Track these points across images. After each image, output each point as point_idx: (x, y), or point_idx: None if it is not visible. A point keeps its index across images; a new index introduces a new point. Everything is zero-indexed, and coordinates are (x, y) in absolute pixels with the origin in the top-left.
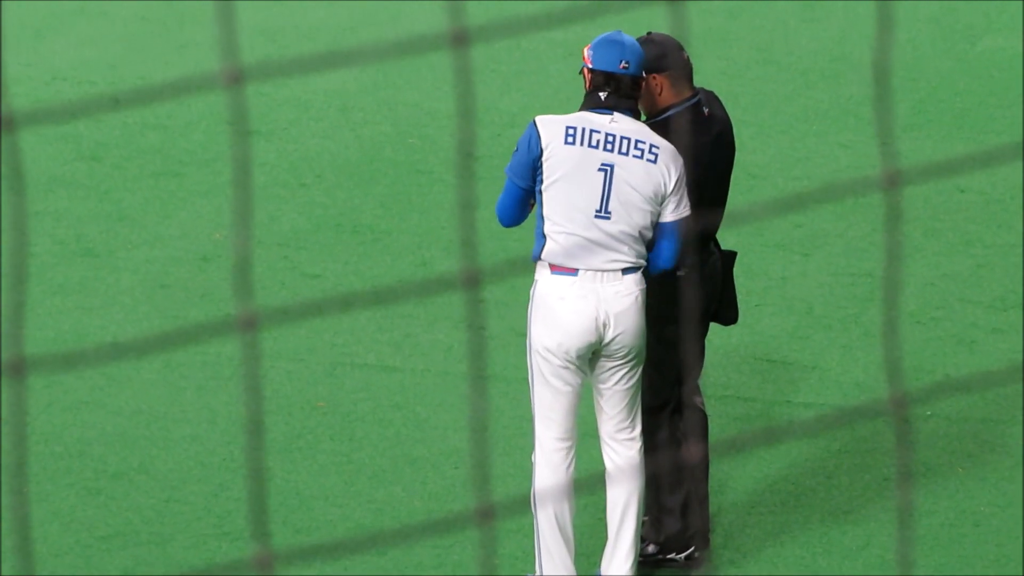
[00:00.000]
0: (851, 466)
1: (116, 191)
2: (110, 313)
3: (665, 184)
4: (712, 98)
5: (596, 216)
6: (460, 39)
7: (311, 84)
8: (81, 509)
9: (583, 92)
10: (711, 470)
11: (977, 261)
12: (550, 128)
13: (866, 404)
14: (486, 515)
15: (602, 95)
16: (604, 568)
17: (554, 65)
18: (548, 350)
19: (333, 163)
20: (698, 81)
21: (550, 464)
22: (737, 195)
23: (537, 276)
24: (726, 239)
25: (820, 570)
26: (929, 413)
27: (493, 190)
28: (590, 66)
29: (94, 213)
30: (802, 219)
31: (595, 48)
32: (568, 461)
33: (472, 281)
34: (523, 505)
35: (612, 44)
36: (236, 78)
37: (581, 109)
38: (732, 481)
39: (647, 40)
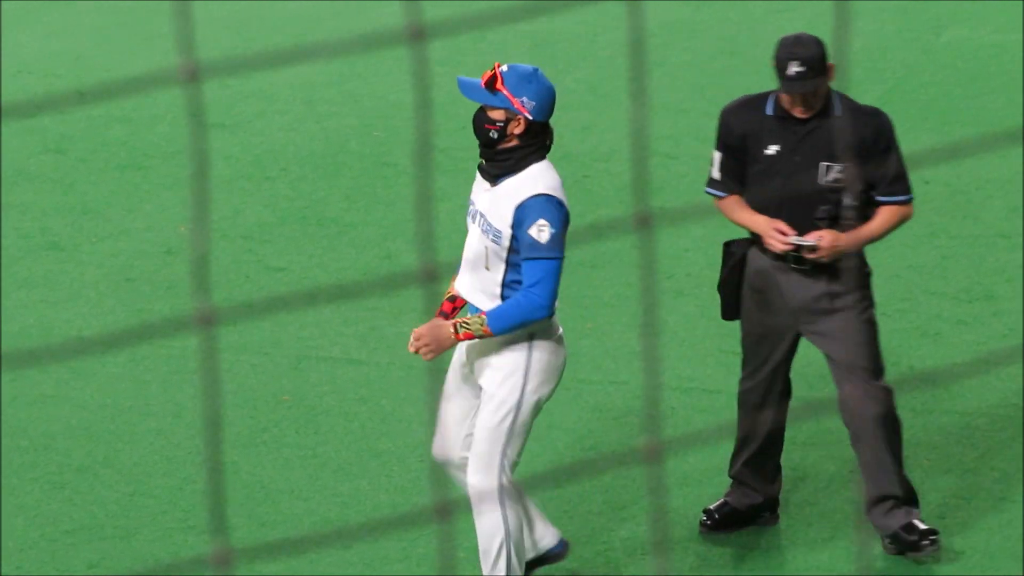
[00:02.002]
0: (816, 458)
1: (81, 184)
2: (75, 307)
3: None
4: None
5: None
6: (418, 34)
7: (276, 77)
8: (46, 503)
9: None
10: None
11: (942, 252)
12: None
13: (831, 396)
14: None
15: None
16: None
17: (520, 56)
18: (542, 401)
19: (298, 156)
20: (663, 73)
21: (514, 486)
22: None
23: (534, 328)
24: (692, 231)
25: (787, 563)
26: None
27: (456, 183)
28: (532, 117)
29: (59, 206)
30: None
31: (539, 95)
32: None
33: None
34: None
35: (551, 90)
36: (193, 74)
37: (540, 162)
38: (695, 471)
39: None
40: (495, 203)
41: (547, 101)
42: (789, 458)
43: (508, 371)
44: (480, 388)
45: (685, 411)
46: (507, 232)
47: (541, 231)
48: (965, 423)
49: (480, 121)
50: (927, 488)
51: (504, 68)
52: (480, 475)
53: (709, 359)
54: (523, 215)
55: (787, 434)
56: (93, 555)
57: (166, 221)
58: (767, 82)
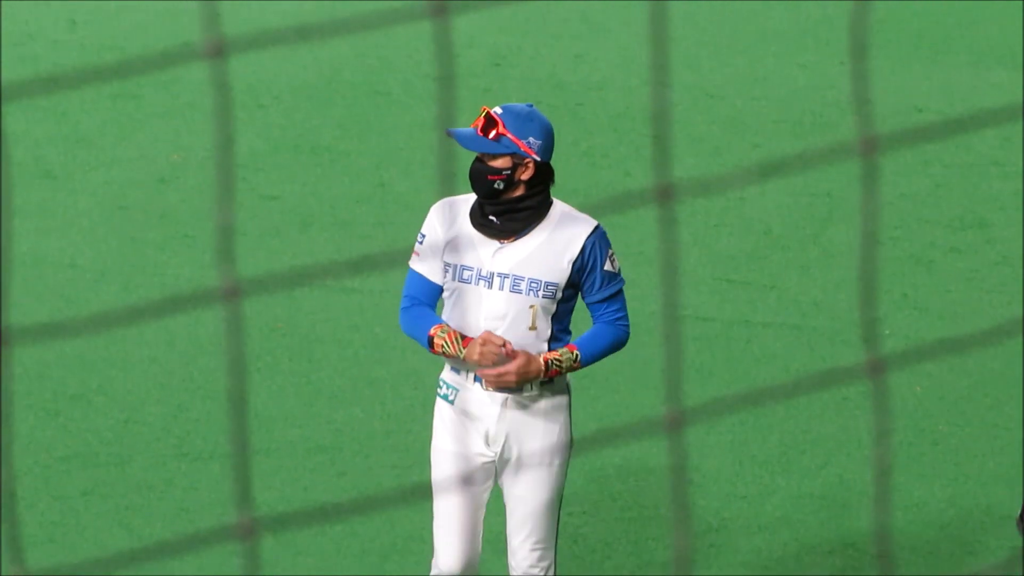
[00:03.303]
0: (809, 386)
1: (74, 113)
2: (68, 235)
3: None
4: None
5: None
6: None
7: (269, 5)
8: (40, 431)
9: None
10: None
11: (935, 181)
12: None
13: (824, 324)
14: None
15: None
16: None
17: None
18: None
19: (291, 85)
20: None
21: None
22: (695, 115)
23: (568, 378)
24: (683, 159)
25: (779, 489)
26: (888, 332)
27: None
28: (540, 159)
29: (52, 135)
30: (760, 139)
31: (543, 133)
32: None
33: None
34: None
35: (551, 126)
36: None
37: (555, 201)
38: (690, 400)
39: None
40: (535, 258)
41: (551, 138)
42: (749, 381)
43: (555, 437)
44: (496, 469)
45: (679, 338)
46: (563, 281)
47: (613, 261)
48: (958, 351)
49: (480, 174)
50: (920, 415)
51: (499, 110)
52: (547, 559)
53: (702, 286)
54: (594, 255)
55: None
56: (87, 482)
57: (159, 150)
58: (760, 10)
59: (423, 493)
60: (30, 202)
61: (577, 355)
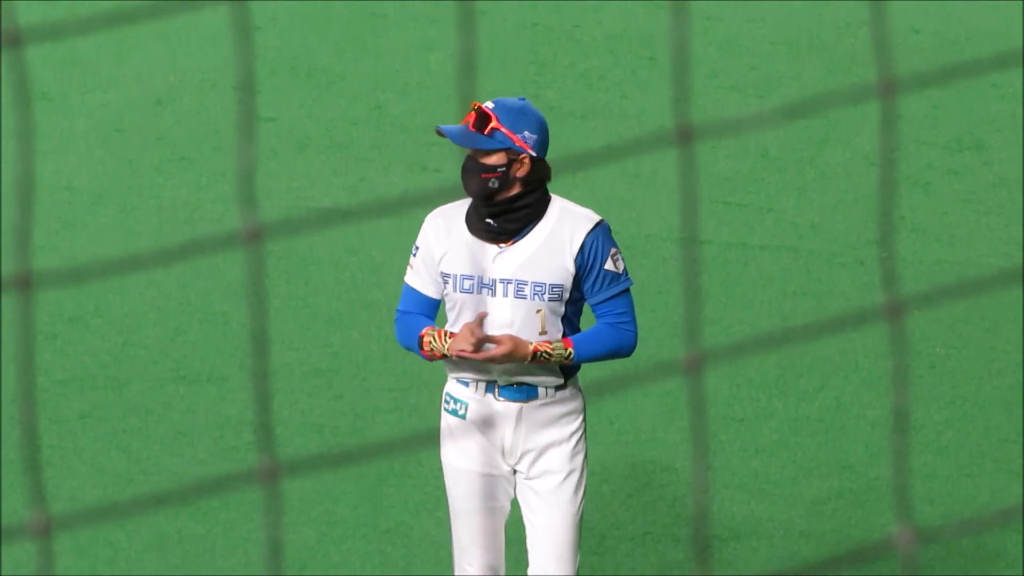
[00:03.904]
0: (806, 308)
1: (69, 34)
2: (65, 157)
3: None
4: None
5: None
6: None
7: None
8: (38, 354)
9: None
10: None
11: (932, 103)
12: None
13: (821, 247)
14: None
15: None
16: None
17: None
18: None
19: (286, 5)
20: None
21: None
22: (692, 36)
23: (582, 386)
24: (680, 82)
25: (776, 412)
26: (885, 255)
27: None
28: (536, 154)
29: (48, 57)
30: (757, 61)
31: (539, 127)
32: None
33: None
34: None
35: (544, 120)
36: None
37: (554, 197)
38: (686, 321)
39: None
40: (535, 260)
41: (546, 132)
42: (745, 302)
43: (572, 444)
44: (514, 481)
45: (676, 261)
46: (569, 281)
47: (616, 261)
48: (956, 273)
49: (473, 172)
50: (917, 337)
51: (491, 105)
52: (570, 569)
53: (698, 209)
54: (594, 253)
55: None
56: (85, 405)
57: (155, 72)
58: None
59: (418, 417)
60: (26, 124)
61: (570, 352)
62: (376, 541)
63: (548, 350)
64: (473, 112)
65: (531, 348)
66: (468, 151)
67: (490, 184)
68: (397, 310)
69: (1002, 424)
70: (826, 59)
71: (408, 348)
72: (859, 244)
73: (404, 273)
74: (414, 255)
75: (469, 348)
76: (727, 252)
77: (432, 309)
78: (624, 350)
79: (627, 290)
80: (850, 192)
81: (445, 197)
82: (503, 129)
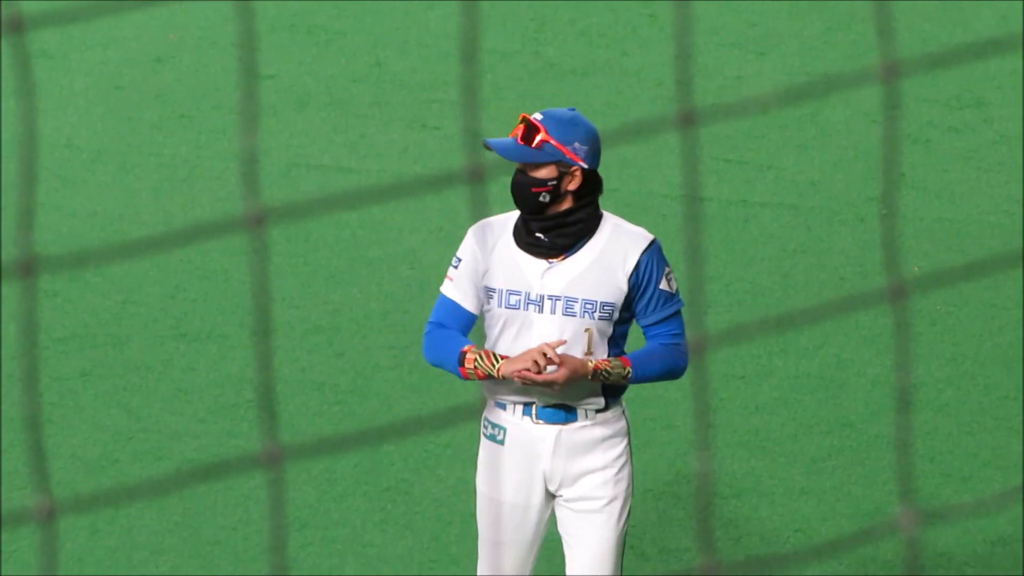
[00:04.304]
0: (806, 265)
1: None
2: (64, 115)
3: None
4: None
5: None
6: None
7: None
8: (38, 311)
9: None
10: None
11: (933, 60)
12: None
13: (822, 204)
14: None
15: None
16: None
17: None
18: None
19: None
20: None
21: None
22: None
23: (623, 404)
24: (682, 39)
25: (776, 369)
26: (885, 212)
27: None
28: (587, 166)
29: (47, 14)
30: (757, 18)
31: (589, 138)
32: None
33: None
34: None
35: (595, 130)
36: None
37: (605, 213)
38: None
39: None
40: (586, 277)
41: (597, 143)
42: (746, 259)
43: (615, 470)
44: (547, 509)
45: (676, 219)
46: (620, 301)
47: (670, 280)
48: (956, 230)
49: (523, 187)
50: (916, 296)
51: (539, 116)
52: None
53: (699, 166)
54: (649, 272)
55: None
56: (85, 363)
57: (155, 29)
58: None
59: (419, 374)
60: (25, 82)
61: (629, 371)
62: (377, 499)
63: (607, 368)
64: (521, 124)
65: (591, 366)
66: (517, 164)
67: (541, 198)
68: (428, 322)
69: (1002, 381)
70: (826, 16)
71: (438, 364)
72: (859, 201)
73: (404, 234)
74: (455, 267)
75: (534, 370)
76: (727, 209)
77: (468, 325)
78: (677, 371)
79: (679, 311)
80: (850, 149)
81: (445, 154)
82: (552, 141)
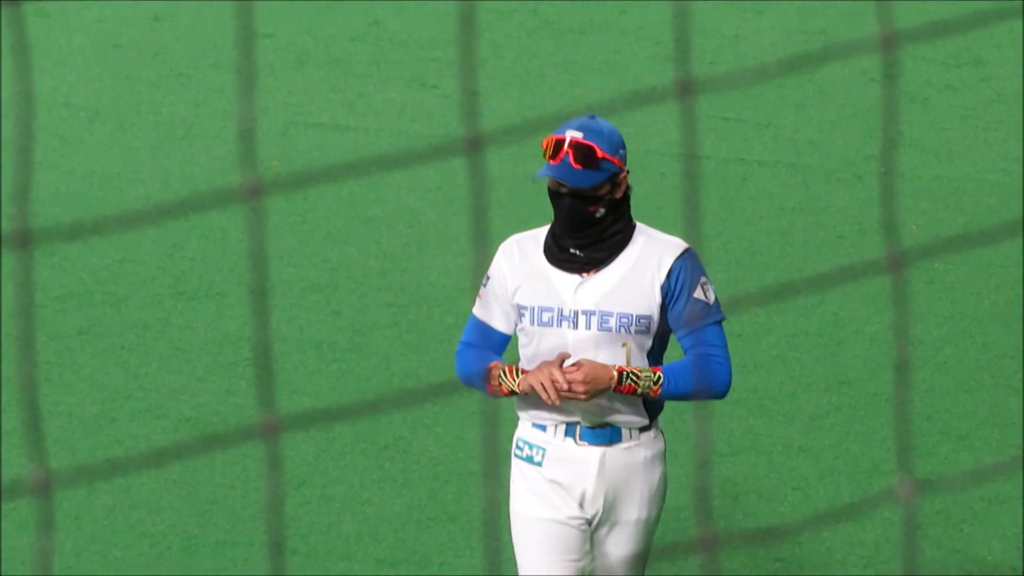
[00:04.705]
0: (804, 224)
1: None
2: (62, 73)
3: None
4: None
5: None
6: None
7: None
8: (35, 269)
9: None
10: None
11: (930, 18)
12: None
13: (820, 162)
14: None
15: None
16: None
17: None
18: None
19: None
20: None
21: None
22: None
23: (661, 423)
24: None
25: (774, 327)
26: (883, 170)
27: None
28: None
29: None
30: None
31: (621, 141)
32: None
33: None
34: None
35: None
36: None
37: (634, 220)
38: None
39: None
40: (621, 289)
41: (623, 143)
42: (744, 218)
43: (654, 489)
44: (588, 533)
45: (674, 177)
46: (656, 313)
47: (706, 290)
48: (954, 188)
49: (578, 209)
50: (915, 255)
51: (579, 134)
52: None
53: (697, 124)
54: (682, 279)
55: None
56: (83, 321)
57: None
58: None
59: (417, 332)
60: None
61: (660, 377)
62: (374, 456)
63: (636, 372)
64: (566, 147)
65: (614, 370)
66: (553, 182)
67: (597, 215)
68: (460, 342)
69: (1000, 339)
70: None
71: (468, 383)
72: (857, 160)
73: (402, 192)
74: (484, 285)
75: (551, 380)
76: (725, 168)
77: (500, 345)
78: (716, 388)
79: (719, 323)
80: (848, 108)
81: (444, 113)
82: (608, 157)
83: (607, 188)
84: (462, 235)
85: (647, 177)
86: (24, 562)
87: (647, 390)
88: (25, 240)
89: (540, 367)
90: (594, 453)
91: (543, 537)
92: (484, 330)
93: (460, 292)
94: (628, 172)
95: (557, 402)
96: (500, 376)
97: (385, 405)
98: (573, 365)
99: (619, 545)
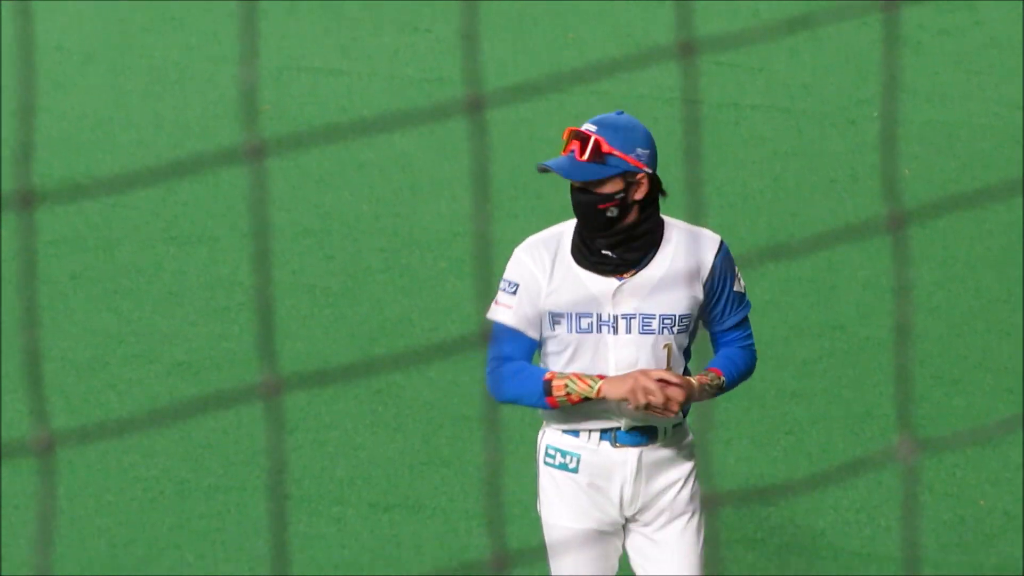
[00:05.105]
0: (797, 168)
1: None
2: (54, 18)
3: None
4: None
5: None
6: None
7: None
8: (27, 215)
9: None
10: None
11: None
12: None
13: (813, 107)
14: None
15: None
16: None
17: None
18: None
19: None
20: None
21: None
22: None
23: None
24: None
25: (767, 272)
26: (875, 115)
27: None
28: (651, 170)
29: None
30: None
31: (647, 140)
32: None
33: None
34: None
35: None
36: None
37: (667, 217)
38: (675, 180)
39: None
40: (662, 290)
41: (654, 143)
42: (736, 163)
43: (691, 480)
44: (621, 538)
45: (668, 121)
46: (696, 311)
47: (740, 281)
48: (947, 132)
49: (589, 205)
50: (908, 198)
51: (592, 127)
52: None
53: (690, 68)
54: (724, 276)
55: None
56: (75, 266)
57: None
58: None
59: (410, 276)
60: None
61: (723, 381)
62: (367, 401)
63: (708, 383)
64: (575, 139)
65: (695, 384)
66: (576, 183)
67: (609, 214)
68: (491, 358)
69: (993, 285)
70: None
71: (516, 399)
72: (850, 104)
73: (395, 136)
74: (511, 292)
75: (642, 394)
76: (718, 112)
77: (531, 353)
78: (752, 372)
79: (748, 311)
80: (842, 52)
81: (436, 57)
82: (616, 152)
83: (619, 187)
84: (455, 179)
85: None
86: (25, 517)
87: (715, 391)
88: (27, 199)
89: (636, 376)
90: (632, 454)
91: (582, 546)
92: (517, 339)
93: (453, 236)
94: (652, 174)
95: (641, 412)
96: (568, 386)
97: (383, 362)
98: (672, 383)
99: (669, 551)
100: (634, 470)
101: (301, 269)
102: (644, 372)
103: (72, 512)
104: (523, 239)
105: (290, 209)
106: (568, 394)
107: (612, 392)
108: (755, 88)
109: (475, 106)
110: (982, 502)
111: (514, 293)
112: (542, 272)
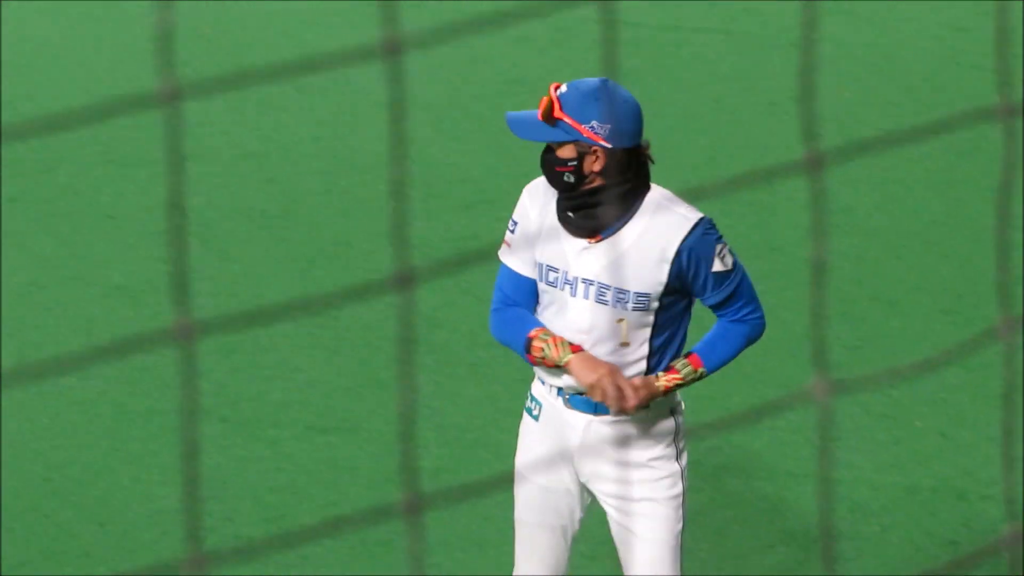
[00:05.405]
0: (738, 90)
1: None
2: None
3: None
4: None
5: None
6: None
7: None
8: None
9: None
10: None
11: None
12: None
13: (755, 30)
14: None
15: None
16: None
17: None
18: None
19: None
20: None
21: None
22: None
23: (676, 404)
24: None
25: (704, 193)
26: (816, 37)
27: None
28: (610, 145)
29: None
30: None
31: (613, 115)
32: None
33: None
34: None
35: (630, 104)
36: None
37: (651, 191)
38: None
39: None
40: (622, 264)
41: (627, 120)
42: (712, 136)
43: (658, 467)
44: (583, 499)
45: (608, 44)
46: (657, 291)
47: (724, 258)
48: (886, 55)
49: (549, 164)
50: (847, 117)
51: (563, 89)
52: None
53: None
54: (695, 260)
55: None
56: (13, 189)
57: None
58: None
59: (349, 199)
60: None
61: (702, 371)
62: (305, 324)
63: (679, 380)
64: (546, 96)
65: (662, 387)
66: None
67: (565, 178)
68: (494, 297)
69: (932, 205)
70: None
71: (506, 345)
72: (791, 27)
73: (336, 59)
74: (512, 232)
75: (616, 407)
76: (659, 35)
77: (533, 292)
78: (754, 339)
79: (742, 280)
80: None
81: None
82: (567, 119)
83: (572, 154)
84: (395, 102)
85: (580, 44)
86: None
87: (692, 380)
88: None
89: (603, 374)
90: (581, 420)
91: (528, 496)
92: (514, 278)
93: (392, 158)
94: (619, 149)
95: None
96: (544, 350)
97: (316, 270)
98: (631, 398)
99: (632, 533)
100: (581, 436)
101: (240, 191)
102: (613, 372)
103: (7, 435)
104: (463, 162)
105: (228, 132)
106: (544, 357)
107: (577, 374)
108: (696, 10)
109: (393, 48)
110: (918, 423)
111: (513, 231)
112: (537, 214)
